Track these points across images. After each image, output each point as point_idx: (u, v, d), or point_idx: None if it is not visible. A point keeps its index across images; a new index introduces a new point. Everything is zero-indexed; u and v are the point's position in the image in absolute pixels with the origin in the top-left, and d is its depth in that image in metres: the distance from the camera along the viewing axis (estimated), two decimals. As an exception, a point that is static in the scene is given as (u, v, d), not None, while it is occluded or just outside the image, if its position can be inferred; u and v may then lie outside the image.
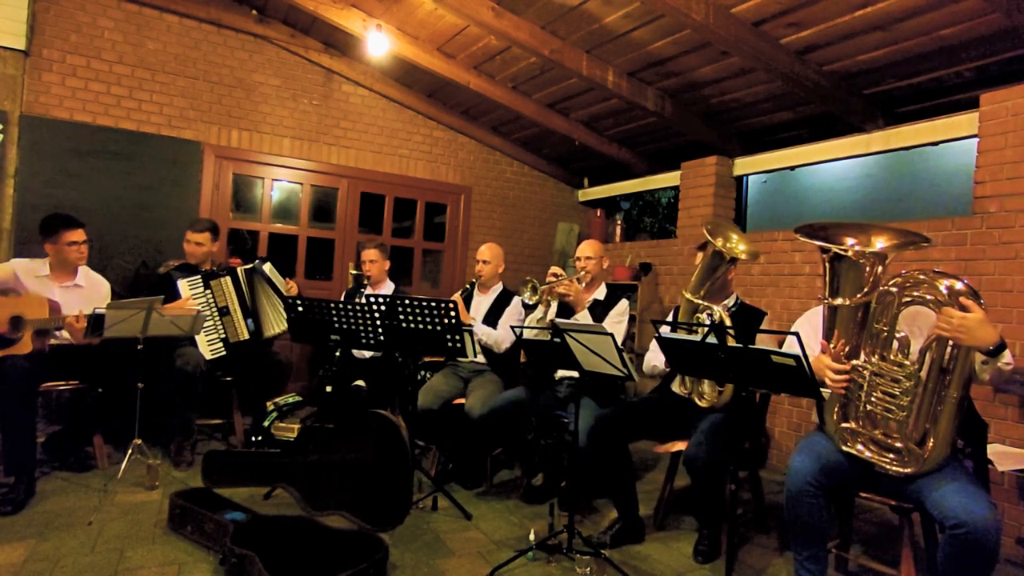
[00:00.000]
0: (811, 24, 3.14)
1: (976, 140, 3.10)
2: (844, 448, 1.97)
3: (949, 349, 1.80)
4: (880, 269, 1.87)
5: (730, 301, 2.75)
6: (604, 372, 2.31)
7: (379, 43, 4.07)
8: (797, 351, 1.66)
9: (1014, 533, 2.74)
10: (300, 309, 3.03)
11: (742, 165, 4.64)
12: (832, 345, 1.94)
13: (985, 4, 2.69)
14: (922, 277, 1.82)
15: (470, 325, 3.26)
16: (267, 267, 3.69)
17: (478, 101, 5.01)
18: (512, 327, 2.92)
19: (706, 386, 2.62)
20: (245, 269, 3.66)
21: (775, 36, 3.31)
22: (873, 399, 1.91)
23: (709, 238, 2.56)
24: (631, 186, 5.63)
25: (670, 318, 2.98)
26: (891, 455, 1.89)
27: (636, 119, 4.70)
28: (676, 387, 2.78)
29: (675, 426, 2.72)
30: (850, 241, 1.89)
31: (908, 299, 1.85)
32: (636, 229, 6.17)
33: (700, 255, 2.74)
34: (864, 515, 3.05)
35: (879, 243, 1.87)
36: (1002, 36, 2.90)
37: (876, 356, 1.90)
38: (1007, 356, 1.73)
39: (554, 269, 3.13)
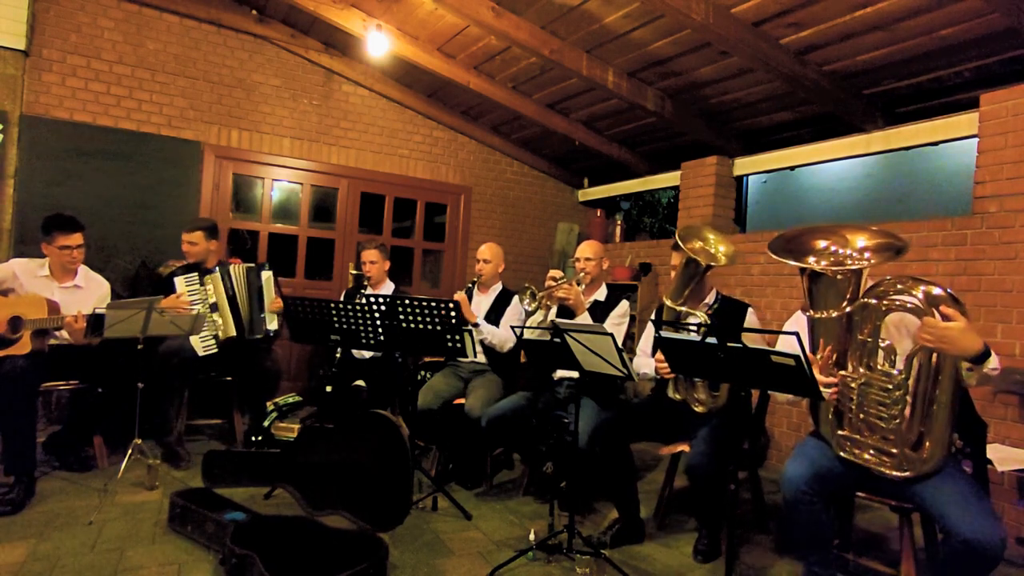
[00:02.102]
0: (811, 24, 3.14)
1: (976, 140, 3.10)
2: (842, 455, 1.97)
3: (935, 354, 1.79)
4: (860, 280, 1.86)
5: (710, 299, 2.73)
6: (604, 372, 2.31)
7: (379, 43, 4.07)
8: (797, 351, 1.66)
9: (1014, 533, 2.73)
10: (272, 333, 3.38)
11: (742, 165, 4.64)
12: (818, 356, 1.94)
13: (985, 4, 2.69)
14: (900, 286, 1.81)
15: (476, 324, 3.26)
16: (265, 275, 3.69)
17: (478, 101, 5.01)
18: (512, 327, 2.92)
19: (700, 392, 2.60)
20: (247, 267, 3.66)
21: (775, 36, 3.31)
22: (865, 409, 1.90)
23: (681, 244, 2.52)
24: (631, 186, 5.63)
25: (652, 317, 2.95)
26: (888, 459, 1.88)
27: (636, 119, 4.70)
28: (670, 394, 2.77)
29: (677, 427, 2.72)
30: (822, 244, 1.88)
31: (887, 307, 1.84)
32: (636, 229, 6.17)
33: (675, 255, 2.69)
34: (864, 515, 3.05)
35: (859, 242, 1.86)
36: (1002, 36, 2.90)
37: (863, 367, 1.90)
38: (993, 362, 1.71)
39: (553, 273, 3.13)
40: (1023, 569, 2.57)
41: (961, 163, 3.78)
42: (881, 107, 3.75)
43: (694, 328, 2.41)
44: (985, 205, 3.03)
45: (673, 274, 2.67)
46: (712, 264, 2.54)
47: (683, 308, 2.60)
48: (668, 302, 2.64)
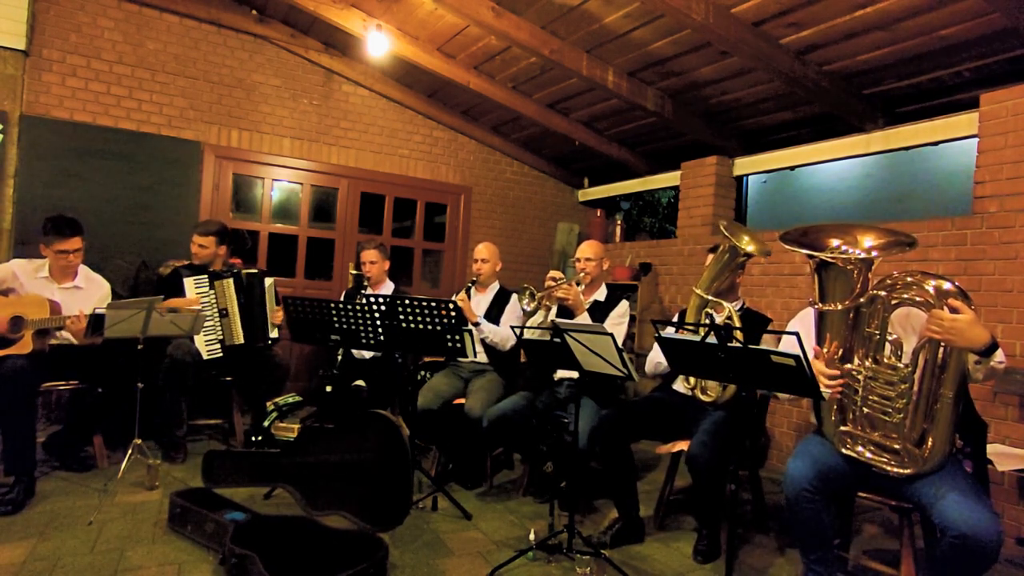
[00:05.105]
0: (811, 24, 3.14)
1: (976, 140, 3.10)
2: (844, 451, 1.97)
3: (942, 349, 1.79)
4: (869, 272, 1.87)
5: (736, 305, 2.74)
6: (604, 372, 2.31)
7: (379, 43, 4.07)
8: (797, 351, 1.66)
9: (1014, 533, 2.73)
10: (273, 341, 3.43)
11: (742, 165, 4.64)
12: (824, 349, 1.94)
13: (985, 4, 2.69)
14: (910, 279, 1.82)
15: (477, 322, 3.27)
16: (268, 282, 3.72)
17: (478, 101, 5.01)
18: (512, 327, 2.92)
19: (711, 381, 2.62)
20: (248, 273, 3.66)
21: (775, 36, 3.31)
22: (869, 402, 1.90)
23: (726, 234, 2.57)
24: (631, 186, 5.63)
25: (675, 319, 2.98)
26: (891, 456, 1.89)
27: (636, 119, 4.70)
28: (680, 384, 2.79)
29: (676, 426, 2.72)
30: (835, 243, 1.89)
31: (897, 301, 1.84)
32: (636, 229, 6.17)
33: (711, 257, 2.74)
34: (864, 515, 3.05)
35: (866, 242, 1.86)
36: (1002, 36, 2.90)
37: (869, 360, 1.90)
38: (999, 355, 1.72)
39: (553, 273, 3.13)
40: (1023, 569, 2.57)
41: (961, 163, 3.78)
42: (881, 107, 3.75)
43: (708, 325, 2.42)
44: (985, 205, 3.03)
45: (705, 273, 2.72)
46: (750, 255, 2.58)
47: (712, 298, 2.62)
48: (698, 290, 2.67)
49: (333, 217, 5.12)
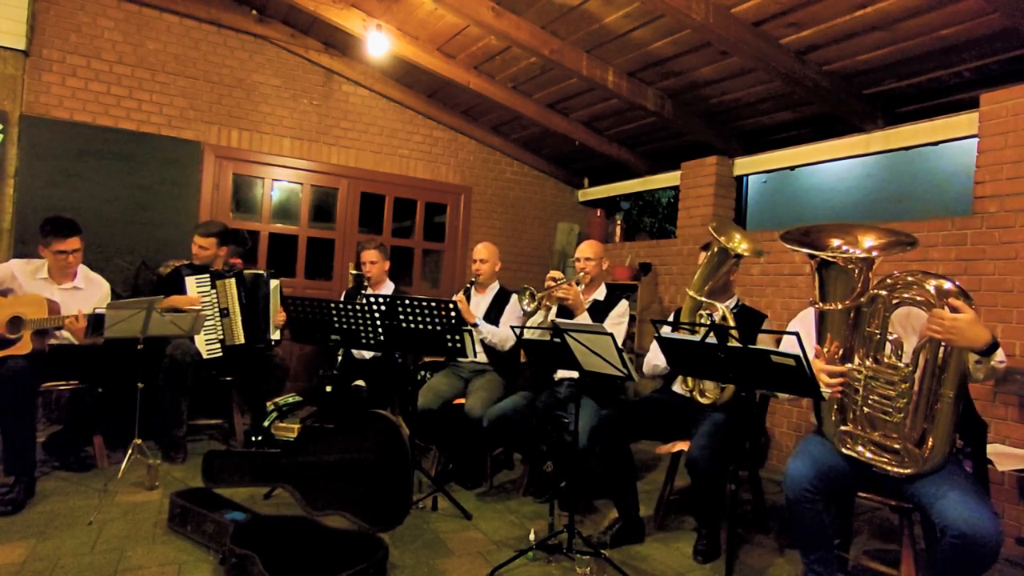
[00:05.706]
0: (811, 24, 3.14)
1: (976, 140, 3.10)
2: (844, 451, 1.97)
3: (942, 349, 1.79)
4: (870, 272, 1.87)
5: (731, 303, 2.75)
6: (604, 372, 2.31)
7: (379, 43, 4.07)
8: (797, 351, 1.66)
9: (1014, 533, 2.73)
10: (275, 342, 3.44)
11: (742, 165, 4.64)
12: (825, 349, 1.94)
13: (985, 4, 2.69)
14: (911, 279, 1.82)
15: (475, 324, 3.27)
16: (274, 284, 3.72)
17: (478, 101, 5.01)
18: (512, 327, 2.92)
19: (708, 383, 2.62)
20: (251, 272, 3.66)
21: (775, 36, 3.31)
22: (870, 402, 1.90)
23: (714, 235, 2.56)
24: (631, 186, 5.63)
25: (671, 319, 2.98)
26: (891, 456, 1.89)
27: (636, 119, 4.70)
28: (678, 385, 2.79)
29: (676, 426, 2.72)
30: (836, 243, 1.89)
31: (897, 300, 1.85)
32: (636, 229, 6.17)
33: (703, 255, 2.75)
34: (864, 515, 3.05)
35: (867, 242, 1.86)
36: (1002, 36, 2.90)
37: (870, 359, 1.90)
38: (1000, 355, 1.72)
39: (553, 273, 3.13)
40: (1023, 569, 2.57)
41: (961, 163, 3.78)
42: (881, 107, 3.75)
43: (707, 325, 2.41)
44: (985, 205, 3.03)
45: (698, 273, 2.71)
46: (740, 255, 2.58)
47: (705, 299, 2.62)
48: (691, 292, 2.67)
49: (333, 217, 5.12)
